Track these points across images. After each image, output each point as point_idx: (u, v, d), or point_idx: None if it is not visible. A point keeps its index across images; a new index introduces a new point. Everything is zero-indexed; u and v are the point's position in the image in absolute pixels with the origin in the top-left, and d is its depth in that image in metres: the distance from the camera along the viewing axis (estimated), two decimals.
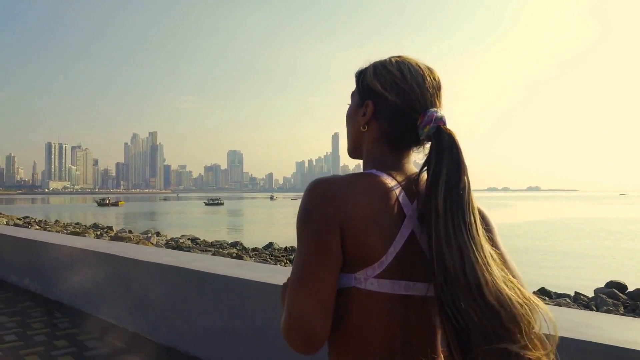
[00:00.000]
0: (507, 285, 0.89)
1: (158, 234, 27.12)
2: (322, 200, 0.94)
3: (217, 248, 20.88)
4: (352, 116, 1.13)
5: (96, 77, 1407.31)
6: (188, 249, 18.52)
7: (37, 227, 28.71)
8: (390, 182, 0.99)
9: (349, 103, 1.16)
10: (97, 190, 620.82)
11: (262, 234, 34.72)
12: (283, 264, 17.60)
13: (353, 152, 1.16)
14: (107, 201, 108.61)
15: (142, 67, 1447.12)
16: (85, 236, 17.24)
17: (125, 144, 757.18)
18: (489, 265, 0.89)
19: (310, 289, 0.91)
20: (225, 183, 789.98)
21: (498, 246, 0.99)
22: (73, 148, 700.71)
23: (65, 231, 25.05)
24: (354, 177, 1.00)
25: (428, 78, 1.05)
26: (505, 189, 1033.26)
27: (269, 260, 18.18)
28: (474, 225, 0.92)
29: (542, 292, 12.55)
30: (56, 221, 40.13)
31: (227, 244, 23.55)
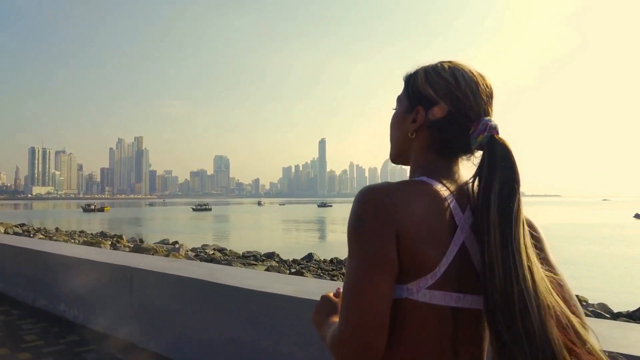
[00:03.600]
0: (559, 318, 0.87)
1: (176, 243, 24.80)
2: (377, 208, 0.90)
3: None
4: (400, 122, 1.08)
5: (81, 82, 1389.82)
6: (227, 262, 16.83)
7: (42, 235, 26.81)
8: (442, 190, 0.96)
9: (394, 108, 1.11)
10: (81, 195, 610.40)
11: (283, 243, 33.58)
12: (340, 278, 15.88)
13: (397, 158, 1.12)
14: (92, 207, 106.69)
15: (129, 72, 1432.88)
16: (100, 247, 16.07)
17: (111, 149, 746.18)
18: (538, 289, 0.87)
19: (369, 300, 0.86)
20: (211, 188, 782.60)
21: (548, 257, 0.98)
22: (57, 153, 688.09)
23: (73, 240, 23.53)
24: (406, 184, 0.96)
25: (482, 85, 1.01)
26: None
27: (322, 275, 16.64)
28: (522, 239, 0.90)
29: None
30: (57, 229, 37.57)
31: (262, 255, 21.63)
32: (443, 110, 1.00)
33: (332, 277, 16.30)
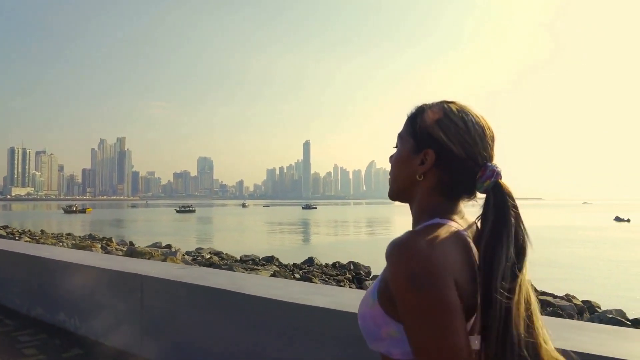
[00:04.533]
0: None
1: (170, 246, 23.90)
2: (429, 261, 0.87)
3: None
4: (405, 162, 1.07)
5: (63, 82, 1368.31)
6: (227, 267, 16.14)
7: (28, 238, 25.88)
8: (462, 232, 0.98)
9: (396, 146, 1.11)
10: (62, 197, 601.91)
11: (277, 246, 32.81)
12: (347, 284, 15.69)
13: (398, 196, 1.11)
14: (74, 208, 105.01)
15: (112, 73, 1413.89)
16: (92, 250, 15.53)
17: (92, 149, 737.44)
18: (541, 335, 0.92)
19: (461, 356, 0.84)
20: (194, 190, 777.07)
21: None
22: (37, 153, 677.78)
23: (61, 244, 22.72)
24: (434, 230, 0.94)
25: (487, 130, 1.04)
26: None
27: (328, 280, 16.22)
28: (527, 285, 0.93)
29: None
30: (42, 231, 36.26)
31: (260, 260, 20.90)
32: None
33: (339, 283, 15.93)
